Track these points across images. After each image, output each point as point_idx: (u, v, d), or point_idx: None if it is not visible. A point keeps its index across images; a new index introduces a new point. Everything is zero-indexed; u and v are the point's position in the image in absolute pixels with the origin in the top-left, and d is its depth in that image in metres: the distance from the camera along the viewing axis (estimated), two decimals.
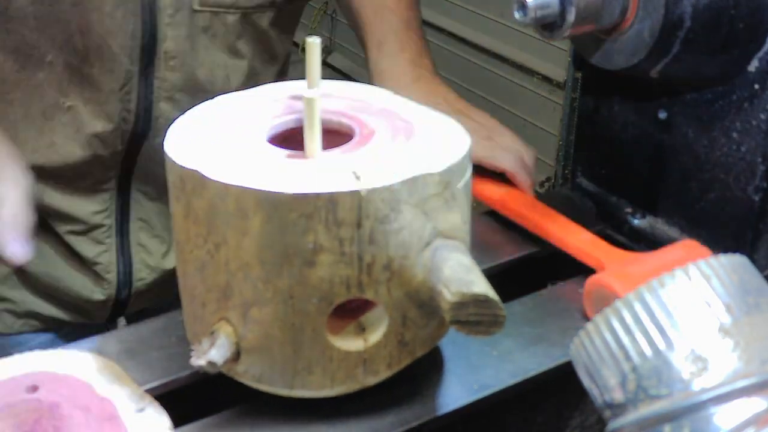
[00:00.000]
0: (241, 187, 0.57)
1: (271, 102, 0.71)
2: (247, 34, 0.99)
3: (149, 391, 0.67)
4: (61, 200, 0.99)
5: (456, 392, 0.68)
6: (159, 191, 1.01)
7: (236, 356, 0.62)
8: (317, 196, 0.57)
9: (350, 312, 0.63)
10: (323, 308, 0.60)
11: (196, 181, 0.59)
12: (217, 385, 0.66)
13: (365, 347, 0.62)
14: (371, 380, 0.64)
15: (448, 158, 0.62)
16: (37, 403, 0.65)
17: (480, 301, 0.56)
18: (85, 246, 1.02)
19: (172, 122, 0.67)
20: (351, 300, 0.61)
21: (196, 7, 0.92)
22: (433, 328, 0.65)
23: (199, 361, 0.60)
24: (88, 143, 0.95)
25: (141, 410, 0.65)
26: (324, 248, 0.58)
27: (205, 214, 0.60)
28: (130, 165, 0.99)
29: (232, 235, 0.59)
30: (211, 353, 0.60)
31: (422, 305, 0.62)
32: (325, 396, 0.64)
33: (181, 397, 0.69)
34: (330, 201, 0.57)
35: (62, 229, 1.01)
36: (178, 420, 0.65)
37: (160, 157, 0.65)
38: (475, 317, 0.57)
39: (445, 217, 0.62)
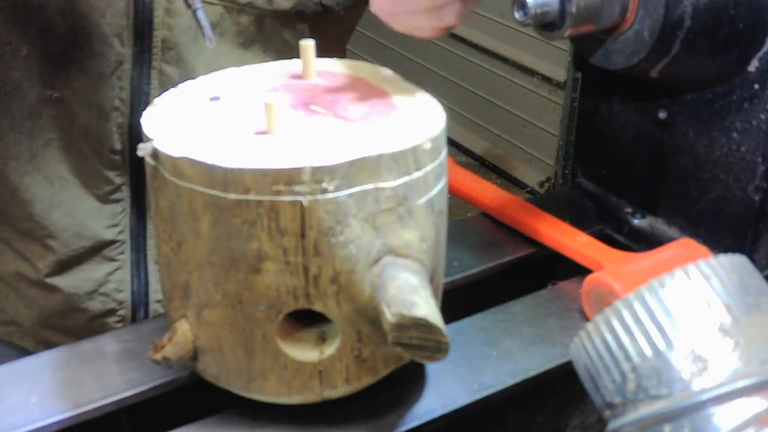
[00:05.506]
0: (191, 188, 0.57)
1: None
2: (263, 40, 0.90)
3: (148, 391, 0.67)
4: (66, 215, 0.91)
5: (456, 392, 0.68)
6: None
7: (194, 354, 0.63)
8: (258, 203, 0.56)
9: (313, 321, 0.62)
10: (272, 316, 0.59)
11: (160, 179, 0.59)
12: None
13: (320, 359, 0.61)
14: (329, 393, 0.63)
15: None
16: (311, 85, 0.70)
17: (421, 324, 0.54)
18: (93, 265, 0.93)
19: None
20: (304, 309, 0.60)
21: None
22: None
23: (155, 355, 0.61)
24: (84, 136, 0.88)
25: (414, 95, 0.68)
26: (268, 256, 0.57)
27: (168, 212, 0.60)
28: (140, 171, 0.90)
29: (188, 234, 0.59)
30: (166, 349, 0.61)
31: (374, 322, 0.59)
32: (283, 403, 0.63)
33: (181, 397, 0.69)
34: (271, 209, 0.56)
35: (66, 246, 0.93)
36: (177, 420, 0.65)
37: None
38: (417, 341, 0.55)
39: (399, 234, 0.59)
